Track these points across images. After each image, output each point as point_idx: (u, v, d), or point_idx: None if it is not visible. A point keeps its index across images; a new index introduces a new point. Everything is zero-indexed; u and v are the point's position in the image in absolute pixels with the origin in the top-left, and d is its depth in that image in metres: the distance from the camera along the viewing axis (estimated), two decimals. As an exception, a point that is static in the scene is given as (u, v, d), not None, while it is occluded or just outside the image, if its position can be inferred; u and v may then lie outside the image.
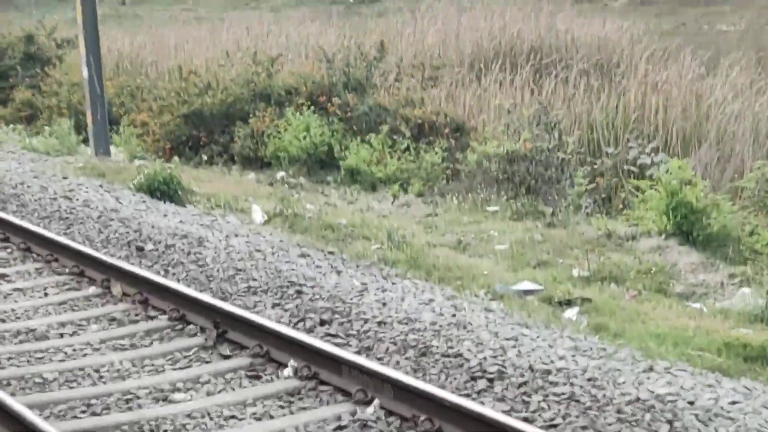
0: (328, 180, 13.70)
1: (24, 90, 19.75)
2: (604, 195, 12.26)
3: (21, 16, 42.78)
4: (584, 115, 16.37)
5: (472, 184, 12.49)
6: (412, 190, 12.59)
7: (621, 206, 12.28)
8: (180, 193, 11.79)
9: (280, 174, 13.78)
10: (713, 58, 19.54)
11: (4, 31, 23.58)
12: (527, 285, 8.59)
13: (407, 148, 13.44)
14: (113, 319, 7.68)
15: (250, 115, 15.00)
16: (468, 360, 6.38)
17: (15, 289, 8.44)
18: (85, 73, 14.46)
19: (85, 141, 16.20)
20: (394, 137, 13.74)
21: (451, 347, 6.61)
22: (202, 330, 7.28)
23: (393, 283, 8.23)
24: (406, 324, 7.09)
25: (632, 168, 12.68)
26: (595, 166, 12.96)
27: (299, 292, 7.88)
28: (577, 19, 27.35)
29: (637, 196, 12.27)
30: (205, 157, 15.15)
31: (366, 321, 7.19)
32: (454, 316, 7.28)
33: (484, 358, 6.38)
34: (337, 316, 7.34)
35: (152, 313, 7.78)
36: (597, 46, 23.28)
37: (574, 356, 6.40)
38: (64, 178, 12.50)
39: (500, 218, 11.22)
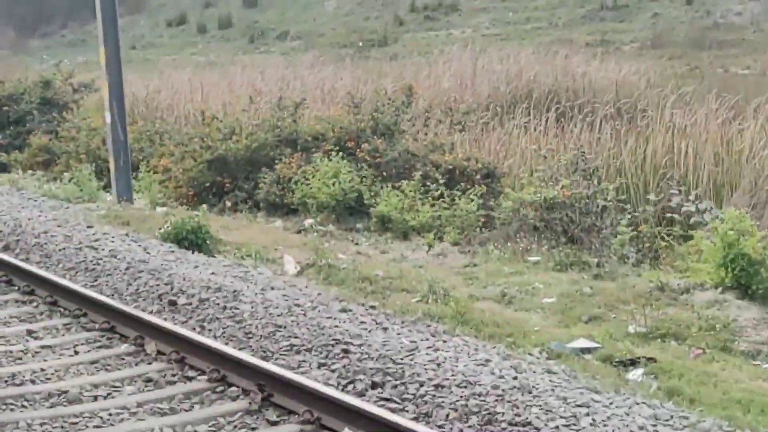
0: (358, 227, 13.26)
1: (41, 135, 19.38)
2: (648, 244, 11.79)
3: (33, 61, 42.83)
4: (612, 160, 16.05)
5: (509, 233, 12.05)
6: (448, 239, 12.14)
7: (665, 256, 11.84)
8: (208, 242, 11.37)
9: (309, 221, 13.36)
10: (737, 101, 19.22)
11: (21, 76, 23.31)
12: (584, 343, 8.15)
13: (441, 195, 13.01)
14: (149, 380, 7.23)
15: (276, 161, 14.61)
16: (538, 429, 5.91)
17: (43, 347, 8.00)
18: (108, 119, 14.07)
19: (105, 187, 15.82)
20: (427, 184, 13.33)
21: (518, 414, 6.14)
22: (246, 393, 6.83)
23: (444, 341, 7.76)
24: (465, 387, 6.62)
25: (675, 216, 12.27)
26: (636, 214, 12.54)
27: (346, 351, 7.41)
28: (592, 62, 27.17)
29: (673, 245, 11.86)
30: (228, 204, 14.75)
31: (421, 384, 6.72)
32: (515, 378, 6.81)
33: (557, 428, 5.91)
34: (389, 378, 6.87)
35: (190, 373, 7.34)
36: (615, 89, 23.08)
37: (655, 426, 5.92)
38: (89, 226, 12.05)
39: (543, 269, 10.77)
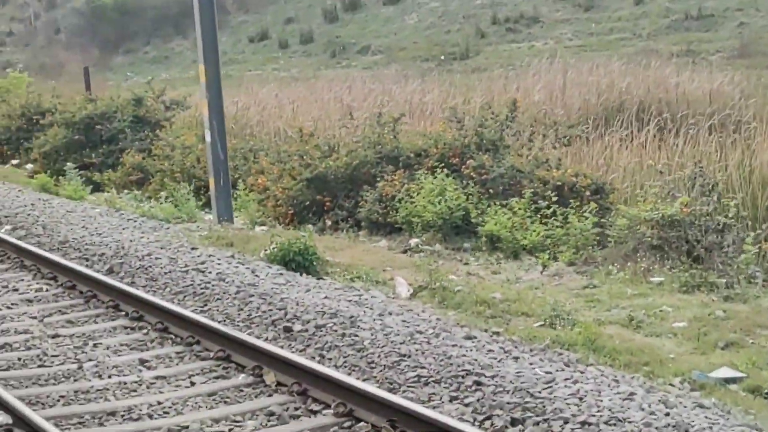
0: (466, 247, 12.78)
1: (134, 153, 19.18)
2: (773, 262, 11.21)
3: (117, 78, 43.03)
4: (718, 174, 15.45)
5: (626, 252, 11.52)
6: (562, 259, 11.64)
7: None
8: (315, 264, 11.00)
9: (414, 241, 12.92)
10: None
11: (113, 94, 23.19)
12: (727, 372, 7.65)
13: (553, 213, 12.50)
14: (271, 414, 6.88)
15: (377, 179, 14.21)
16: (705, 474, 5.45)
17: (158, 377, 7.69)
18: (208, 137, 13.80)
19: (203, 206, 15.57)
20: (537, 201, 12.83)
21: (679, 457, 5.68)
22: (376, 429, 6.44)
23: (581, 372, 7.31)
24: (615, 425, 6.16)
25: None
26: (758, 231, 11.94)
27: (478, 384, 6.98)
28: (682, 73, 26.48)
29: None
30: (329, 223, 14.38)
31: (566, 421, 6.26)
32: (667, 414, 6.33)
33: (725, 472, 5.44)
34: (529, 413, 6.43)
35: (314, 406, 6.97)
36: (709, 100, 22.43)
37: (836, 471, 5.43)
38: (193, 248, 11.77)
39: (668, 290, 10.24)
